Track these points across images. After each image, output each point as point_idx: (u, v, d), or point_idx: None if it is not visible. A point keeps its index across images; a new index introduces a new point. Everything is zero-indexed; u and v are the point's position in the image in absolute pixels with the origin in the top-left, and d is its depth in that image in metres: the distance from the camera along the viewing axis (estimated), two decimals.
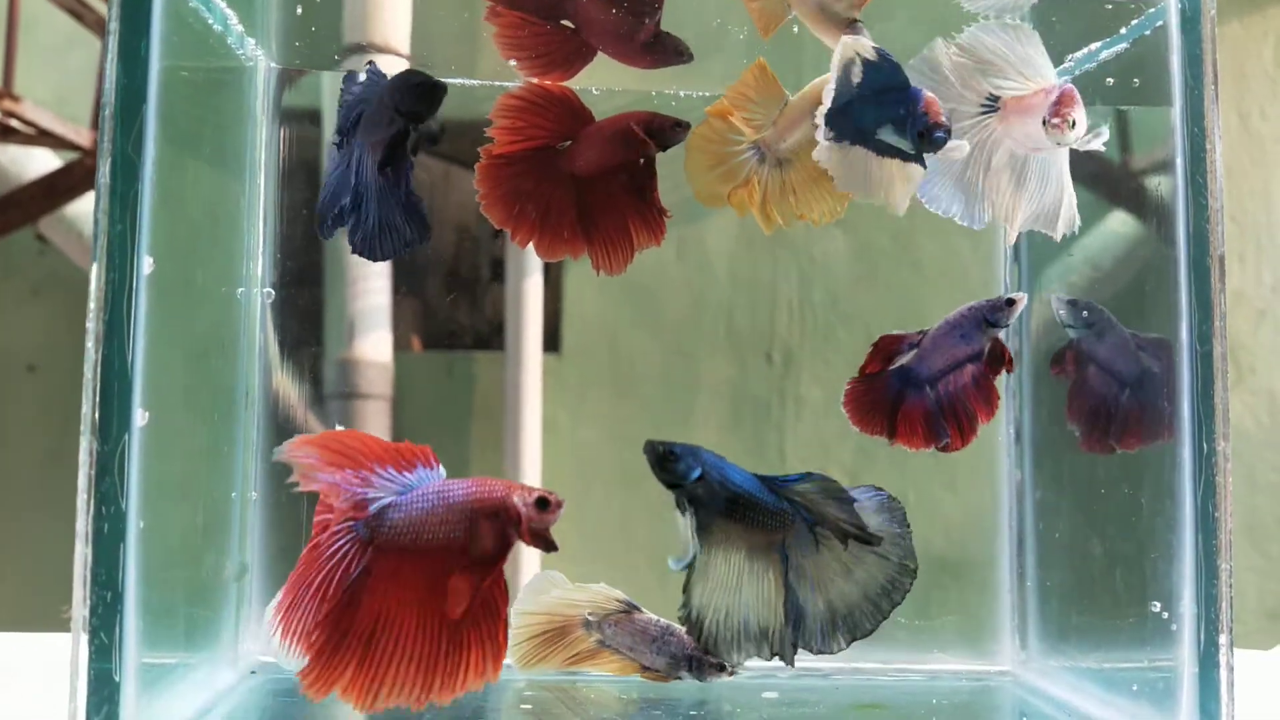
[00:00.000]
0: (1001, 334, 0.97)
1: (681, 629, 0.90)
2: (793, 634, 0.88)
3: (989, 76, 0.87)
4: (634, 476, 1.20)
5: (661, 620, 0.92)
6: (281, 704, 1.00)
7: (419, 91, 0.88)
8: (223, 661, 1.03)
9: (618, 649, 0.93)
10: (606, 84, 1.03)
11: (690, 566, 0.87)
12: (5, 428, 3.00)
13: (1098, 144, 0.87)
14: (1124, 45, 1.00)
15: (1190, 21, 0.91)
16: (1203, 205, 0.90)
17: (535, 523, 0.81)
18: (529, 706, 1.02)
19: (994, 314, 0.95)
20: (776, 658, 0.87)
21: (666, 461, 0.88)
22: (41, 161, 2.99)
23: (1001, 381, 0.98)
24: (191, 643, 0.97)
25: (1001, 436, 1.18)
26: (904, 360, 0.97)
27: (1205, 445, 0.89)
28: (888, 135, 0.85)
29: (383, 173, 0.91)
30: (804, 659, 1.11)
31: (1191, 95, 0.90)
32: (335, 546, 0.82)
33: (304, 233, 1.13)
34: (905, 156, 0.85)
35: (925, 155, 0.85)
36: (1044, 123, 0.84)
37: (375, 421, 1.48)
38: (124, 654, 0.78)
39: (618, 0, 0.91)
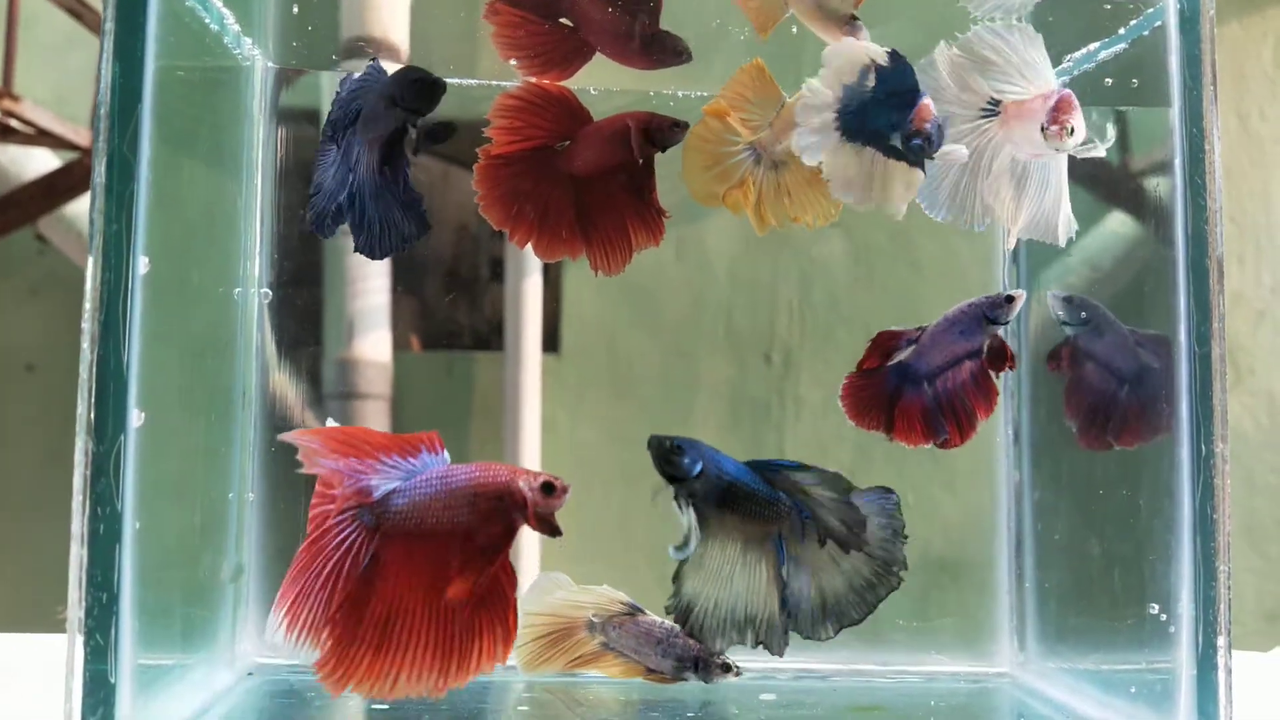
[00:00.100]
0: (1001, 332, 0.97)
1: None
2: (783, 624, 0.90)
3: (991, 79, 0.87)
4: (633, 476, 1.20)
5: (666, 622, 0.92)
6: (279, 705, 1.00)
7: (418, 87, 0.88)
8: (220, 663, 1.03)
9: (622, 651, 0.93)
10: (605, 84, 1.03)
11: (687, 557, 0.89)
12: (4, 427, 2.99)
13: (1097, 153, 0.87)
14: (1123, 46, 1.00)
15: (1189, 22, 0.91)
16: (1201, 206, 0.90)
17: (541, 507, 0.81)
18: (525, 708, 1.02)
19: (993, 311, 0.95)
20: (761, 646, 0.89)
21: (672, 456, 0.89)
22: (41, 161, 2.99)
23: (1000, 382, 0.98)
24: (188, 644, 0.97)
25: (1000, 437, 1.18)
26: (902, 356, 0.97)
27: (1204, 447, 0.88)
28: (887, 139, 0.85)
29: (382, 171, 0.90)
30: (802, 661, 1.12)
31: (1190, 96, 0.90)
32: (341, 535, 0.82)
33: (301, 232, 1.13)
34: (903, 160, 0.85)
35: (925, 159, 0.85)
36: (1042, 129, 0.84)
37: (374, 421, 1.48)
38: (119, 655, 0.78)
39: None
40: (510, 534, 0.82)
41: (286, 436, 0.82)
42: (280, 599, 0.81)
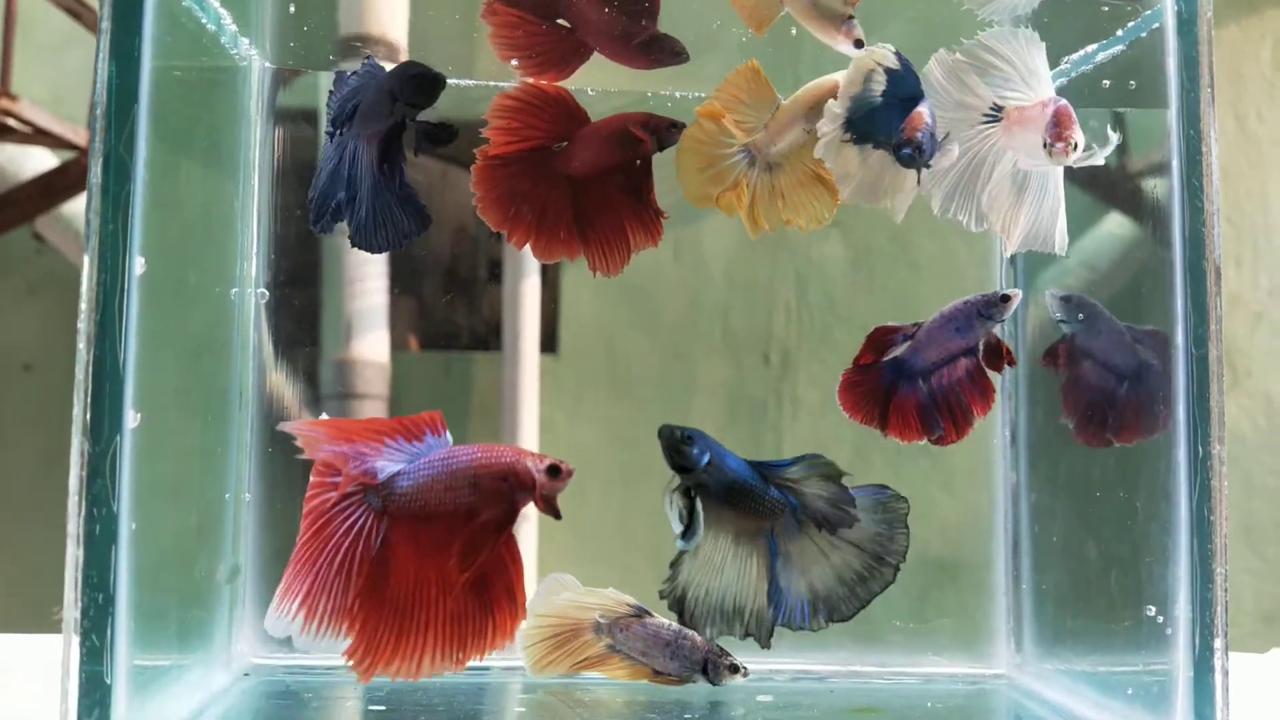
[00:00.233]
0: (997, 331, 0.97)
1: (694, 633, 0.93)
2: (771, 618, 0.93)
3: (996, 85, 0.87)
4: (631, 477, 1.20)
5: (673, 625, 0.93)
6: (275, 706, 0.99)
7: (418, 82, 0.88)
8: (216, 663, 1.03)
9: (629, 654, 0.93)
10: (602, 84, 1.02)
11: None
12: (2, 427, 2.99)
13: (1096, 160, 0.87)
14: (1120, 47, 1.00)
15: (1186, 24, 0.91)
16: (1198, 208, 0.90)
17: (545, 489, 0.83)
18: (523, 710, 1.02)
19: (989, 309, 0.95)
20: (750, 638, 0.93)
21: (682, 446, 0.91)
22: (38, 160, 2.99)
23: (997, 383, 0.98)
24: (184, 645, 0.96)
25: (997, 438, 1.18)
26: (898, 352, 0.97)
27: (1200, 449, 0.88)
28: (887, 143, 0.86)
29: (380, 167, 0.90)
30: (800, 662, 1.12)
31: (1187, 98, 0.90)
32: (350, 520, 0.82)
33: (298, 233, 1.12)
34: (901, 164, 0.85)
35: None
36: (1044, 145, 0.84)
37: None
38: (115, 656, 0.78)
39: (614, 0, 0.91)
40: (513, 515, 0.83)
41: (287, 426, 0.83)
42: (288, 592, 0.81)
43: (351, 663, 0.81)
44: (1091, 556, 1.06)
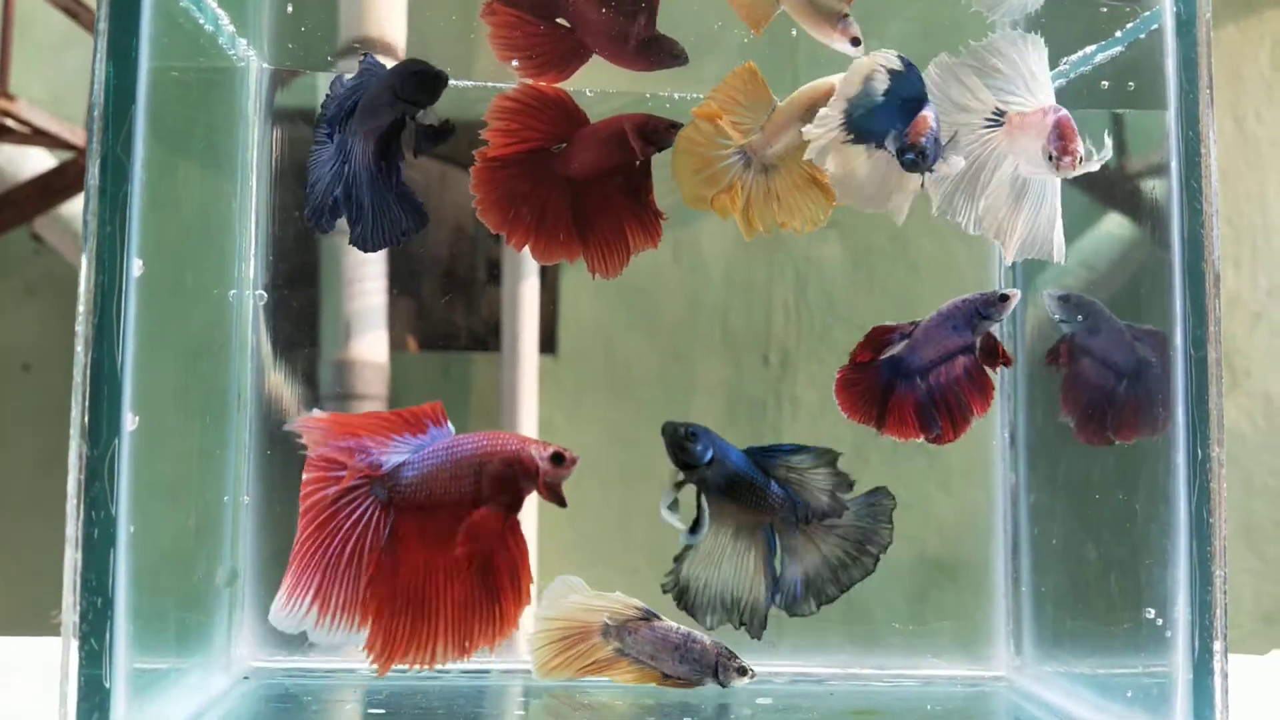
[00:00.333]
0: (996, 331, 0.97)
1: (703, 636, 0.94)
2: (765, 609, 0.95)
3: (999, 90, 0.87)
4: (631, 477, 1.20)
5: (682, 628, 0.93)
6: (274, 709, 0.99)
7: (420, 79, 0.88)
8: (215, 667, 1.03)
9: (638, 657, 0.93)
10: (601, 86, 1.02)
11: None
12: (1, 428, 2.99)
13: (1091, 167, 0.87)
14: (1119, 49, 1.00)
15: (1185, 25, 0.91)
16: (1197, 210, 0.90)
17: (549, 476, 0.84)
18: (521, 713, 1.02)
19: (987, 308, 0.95)
20: (744, 628, 0.95)
21: (686, 443, 0.92)
22: (37, 161, 2.99)
23: (997, 384, 0.98)
24: (183, 648, 0.96)
25: (996, 439, 1.18)
26: (895, 350, 0.97)
27: (1199, 451, 0.88)
28: (888, 146, 0.86)
29: (378, 164, 0.90)
30: (799, 665, 1.12)
31: (1186, 99, 0.90)
32: (357, 512, 0.83)
33: (296, 234, 1.12)
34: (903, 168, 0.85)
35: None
36: (1051, 158, 0.84)
37: None
38: (114, 660, 0.78)
39: (613, 1, 0.90)
40: (519, 501, 0.84)
41: (292, 425, 0.84)
42: (298, 587, 0.81)
43: (370, 655, 0.82)
44: (1091, 558, 1.06)
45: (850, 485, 0.96)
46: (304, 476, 0.85)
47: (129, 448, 0.79)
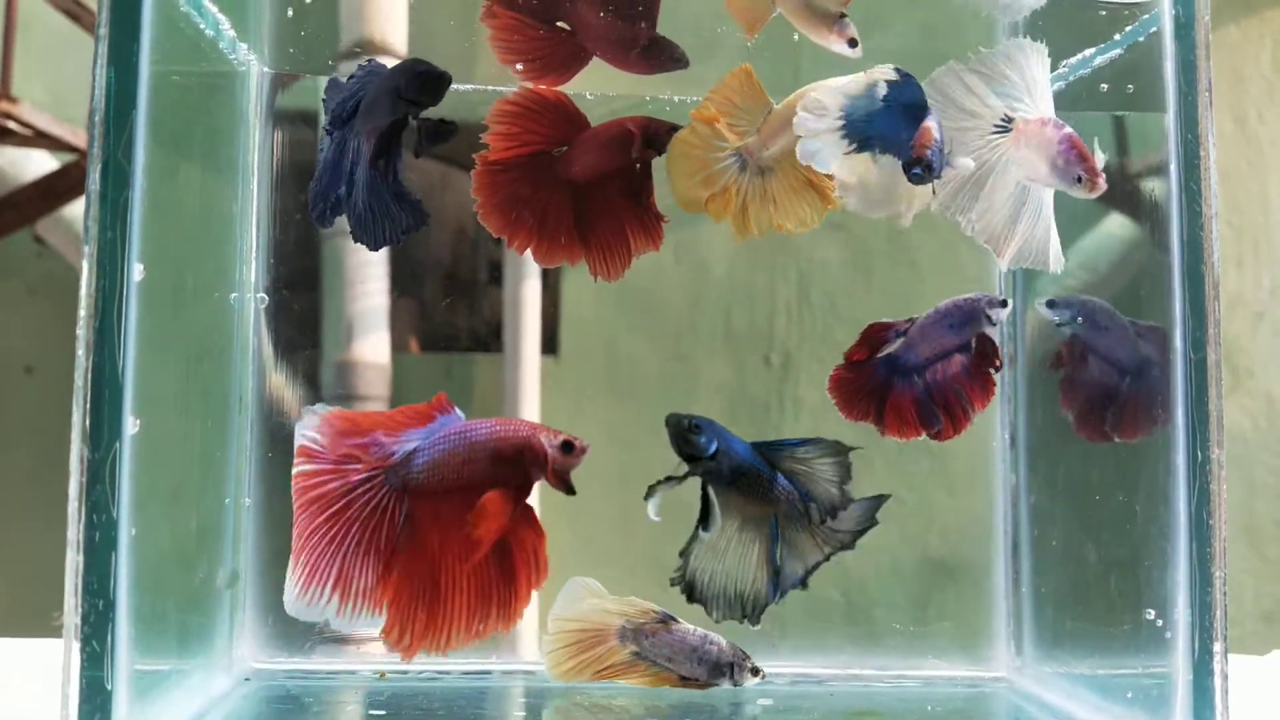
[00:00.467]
0: (995, 334, 0.97)
1: (719, 637, 0.94)
2: (766, 600, 0.95)
3: (1006, 97, 0.87)
4: (632, 478, 1.20)
5: (699, 630, 0.94)
6: (276, 710, 0.99)
7: (424, 79, 0.88)
8: (217, 668, 1.03)
9: (655, 660, 0.93)
10: (601, 89, 1.02)
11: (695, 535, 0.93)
12: (3, 430, 2.99)
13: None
14: (1118, 51, 1.00)
15: (1184, 27, 0.91)
16: (1197, 212, 0.90)
17: (558, 464, 0.84)
18: (522, 714, 1.02)
19: (986, 308, 0.95)
20: (747, 621, 0.95)
21: (690, 435, 0.92)
22: (39, 163, 2.99)
23: (997, 384, 0.98)
24: (185, 649, 0.96)
25: (996, 440, 1.18)
26: (892, 348, 0.97)
27: (1199, 453, 0.88)
28: (895, 155, 0.86)
29: (375, 164, 0.90)
30: (799, 665, 1.12)
31: (1185, 102, 0.90)
32: (372, 502, 0.84)
33: (298, 237, 1.12)
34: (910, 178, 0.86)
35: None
36: (1080, 179, 0.84)
37: None
38: (116, 662, 0.78)
39: (613, 4, 0.91)
40: (528, 487, 0.85)
41: (305, 414, 0.84)
42: (315, 577, 0.82)
43: (389, 642, 0.82)
44: (1091, 559, 1.06)
45: (849, 471, 0.96)
46: (298, 468, 0.85)
47: (130, 451, 0.79)
